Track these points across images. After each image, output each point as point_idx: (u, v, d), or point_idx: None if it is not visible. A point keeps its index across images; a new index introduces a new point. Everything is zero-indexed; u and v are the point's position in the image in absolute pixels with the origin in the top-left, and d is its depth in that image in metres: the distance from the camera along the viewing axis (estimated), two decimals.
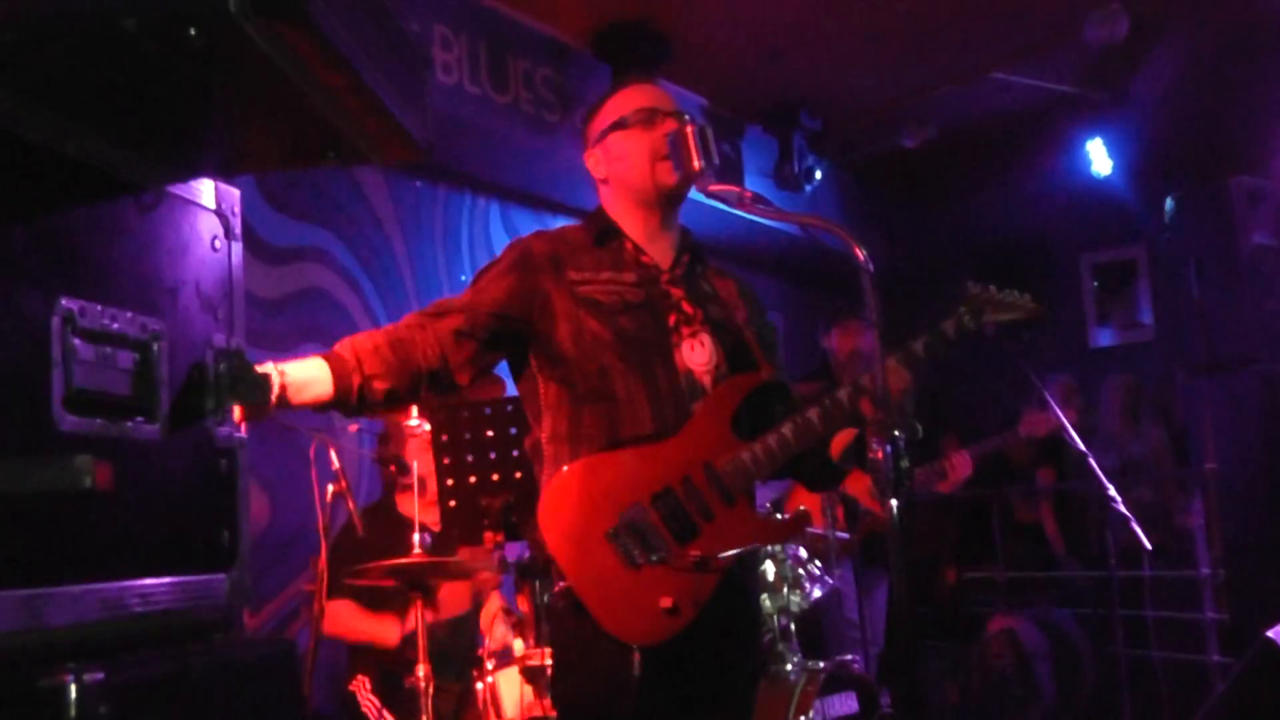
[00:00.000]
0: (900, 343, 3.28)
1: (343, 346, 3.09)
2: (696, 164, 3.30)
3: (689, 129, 3.34)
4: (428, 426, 4.47)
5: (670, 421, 3.21)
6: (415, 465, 4.69)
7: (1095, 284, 10.56)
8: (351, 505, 4.72)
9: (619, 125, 3.42)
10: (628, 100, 3.45)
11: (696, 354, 3.30)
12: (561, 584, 3.13)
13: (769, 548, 5.18)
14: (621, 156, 3.42)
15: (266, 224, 6.09)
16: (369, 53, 2.11)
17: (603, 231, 3.41)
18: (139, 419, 2.09)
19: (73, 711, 1.66)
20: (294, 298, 6.33)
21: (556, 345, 3.25)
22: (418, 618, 4.35)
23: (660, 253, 3.43)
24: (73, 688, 1.69)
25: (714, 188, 3.37)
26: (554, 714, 3.91)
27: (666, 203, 3.41)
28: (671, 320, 3.32)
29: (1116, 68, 7.95)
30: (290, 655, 2.28)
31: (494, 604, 4.97)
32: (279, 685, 2.20)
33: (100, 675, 1.71)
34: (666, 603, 3.05)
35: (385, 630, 5.07)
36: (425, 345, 3.18)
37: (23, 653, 1.74)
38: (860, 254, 2.92)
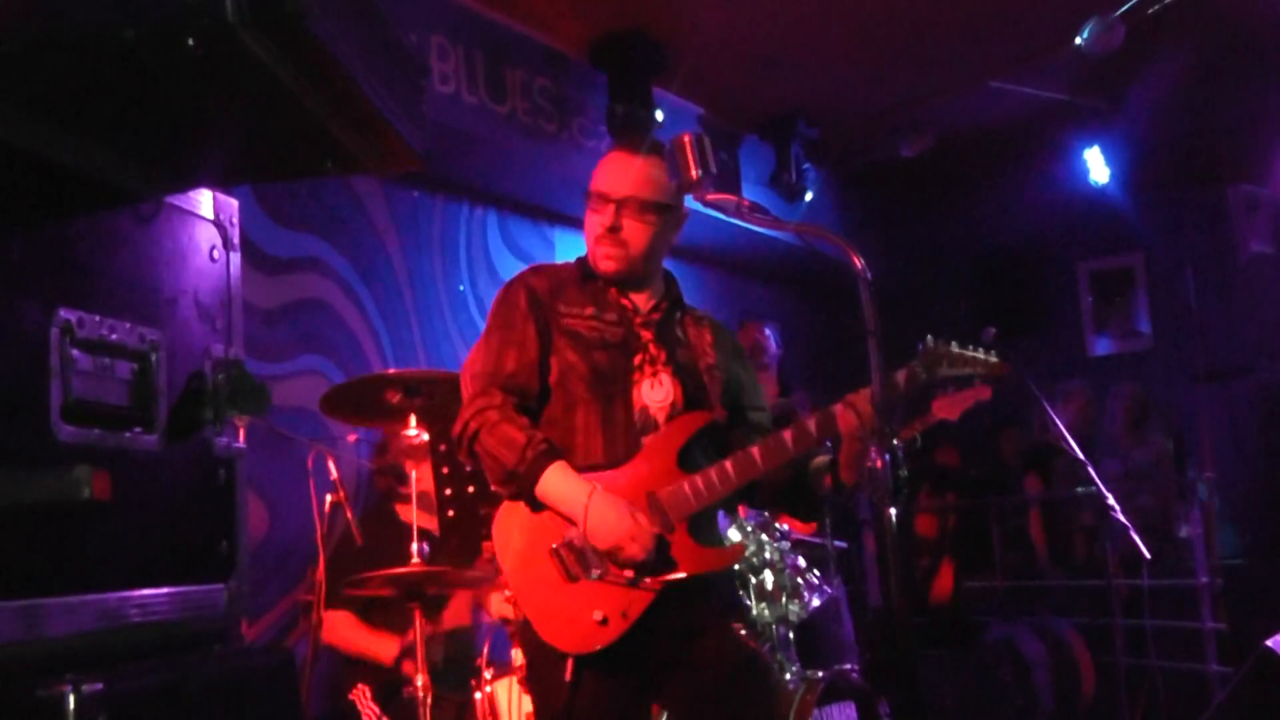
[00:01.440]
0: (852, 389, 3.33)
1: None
2: (694, 173, 3.33)
3: (686, 138, 3.35)
4: (425, 436, 4.47)
5: (620, 452, 3.38)
6: (413, 475, 4.69)
7: (1090, 299, 10.55)
8: (349, 515, 4.71)
9: (585, 196, 3.57)
10: (597, 175, 3.56)
11: (654, 392, 3.46)
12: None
13: (768, 556, 5.18)
14: (586, 226, 3.59)
15: (265, 234, 6.08)
16: (366, 62, 2.11)
17: (587, 274, 3.58)
18: (137, 429, 2.09)
19: None
20: (292, 308, 6.32)
21: (545, 373, 3.46)
22: (416, 627, 4.34)
23: (640, 297, 3.59)
24: (71, 698, 1.69)
25: (712, 197, 3.41)
26: None
27: (615, 280, 3.55)
28: (637, 360, 3.48)
29: (1113, 76, 7.95)
30: (288, 665, 2.28)
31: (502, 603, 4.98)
32: (277, 695, 2.20)
33: (99, 686, 1.71)
34: (598, 615, 3.23)
35: (382, 647, 5.06)
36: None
37: (22, 663, 1.74)
38: (858, 262, 2.97)
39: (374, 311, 6.83)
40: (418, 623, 4.33)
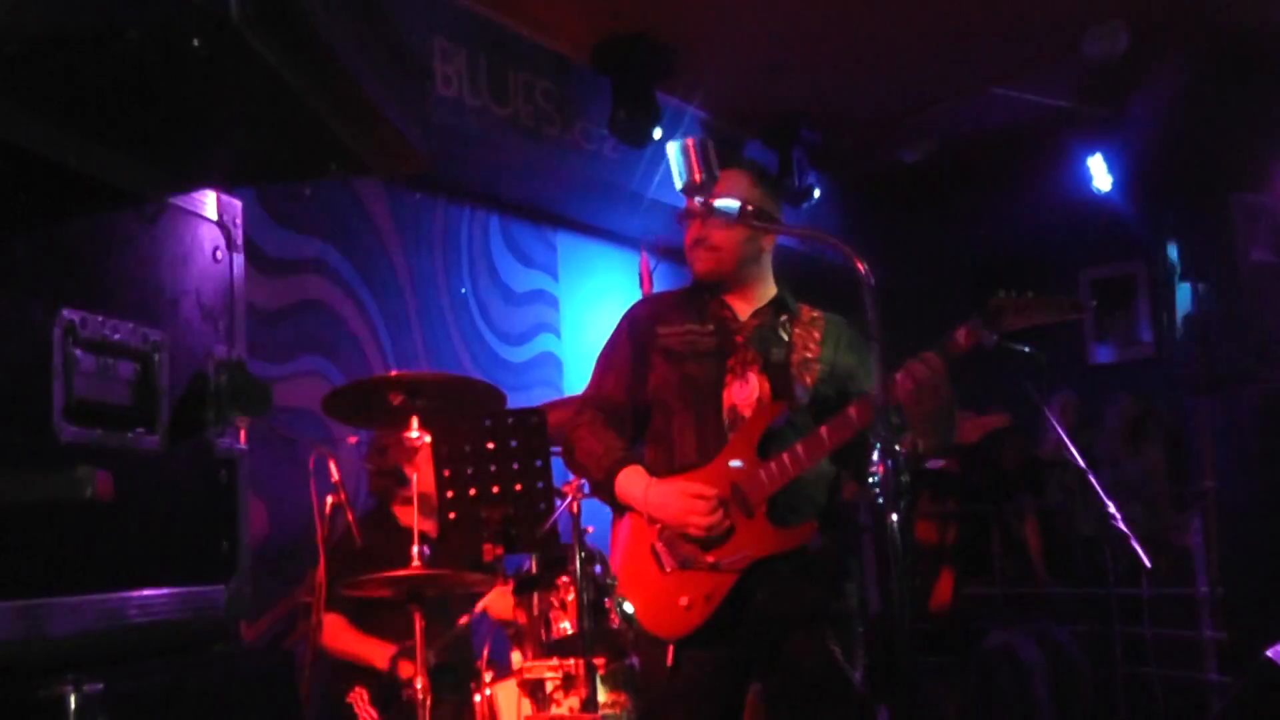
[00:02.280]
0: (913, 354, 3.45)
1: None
2: (696, 176, 3.43)
3: (690, 141, 3.43)
4: (428, 438, 4.46)
5: (711, 450, 3.70)
6: (415, 478, 4.68)
7: (1094, 302, 10.52)
8: (350, 517, 4.71)
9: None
10: None
11: (742, 391, 3.73)
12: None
13: None
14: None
15: (267, 236, 6.08)
16: (370, 63, 2.11)
17: (693, 290, 3.97)
18: (140, 430, 2.09)
19: None
20: (294, 309, 6.32)
21: (646, 392, 3.86)
22: (417, 629, 4.33)
23: (741, 305, 3.91)
24: (73, 698, 1.69)
25: (714, 200, 3.50)
26: None
27: (711, 281, 3.91)
28: (730, 363, 3.78)
29: (1116, 83, 7.95)
30: (288, 666, 2.28)
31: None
32: (277, 696, 2.20)
33: (100, 686, 1.71)
34: (683, 601, 3.57)
35: (375, 652, 5.05)
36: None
37: (23, 663, 1.74)
38: (861, 267, 3.04)
39: (376, 313, 6.84)
40: (418, 625, 4.32)
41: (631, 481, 3.71)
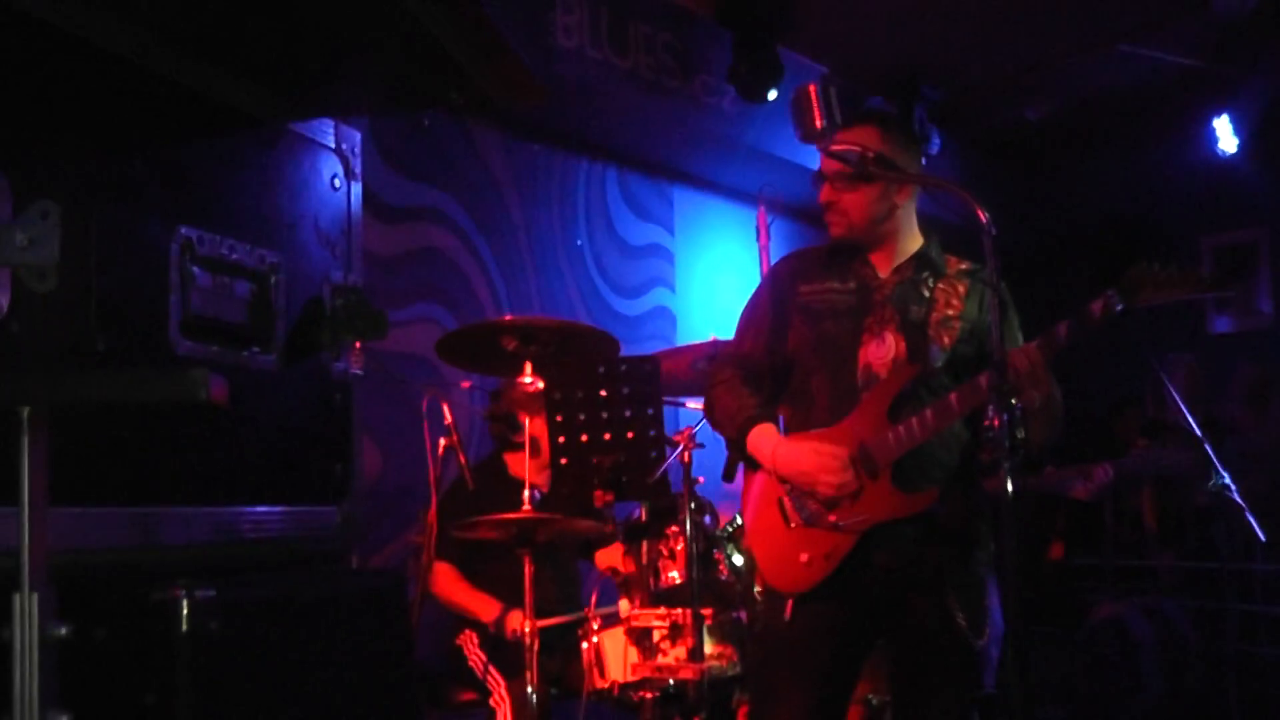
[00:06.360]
0: (1046, 328, 3.37)
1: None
2: (819, 122, 3.36)
3: (811, 87, 3.38)
4: (541, 384, 4.46)
5: (844, 410, 3.63)
6: (527, 423, 4.68)
7: (1231, 282, 10.25)
8: (463, 459, 4.72)
9: None
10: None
11: (878, 350, 3.66)
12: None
13: None
14: None
15: (385, 184, 6.11)
16: None
17: (837, 247, 3.83)
18: (255, 348, 2.11)
19: (184, 625, 1.68)
20: (411, 256, 6.36)
21: (786, 350, 3.80)
22: (526, 573, 4.34)
23: (883, 262, 3.79)
24: (185, 602, 1.71)
25: (836, 148, 3.47)
26: (659, 675, 4.60)
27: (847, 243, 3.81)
28: (867, 321, 3.69)
29: (1246, 41, 7.74)
30: (398, 587, 2.30)
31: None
32: (387, 615, 2.21)
33: (211, 592, 1.73)
34: (804, 558, 3.57)
35: (482, 607, 5.07)
36: None
37: (137, 568, 1.76)
38: (983, 216, 3.00)
39: (492, 263, 6.86)
40: (527, 571, 4.33)
41: (762, 439, 3.69)
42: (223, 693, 1.77)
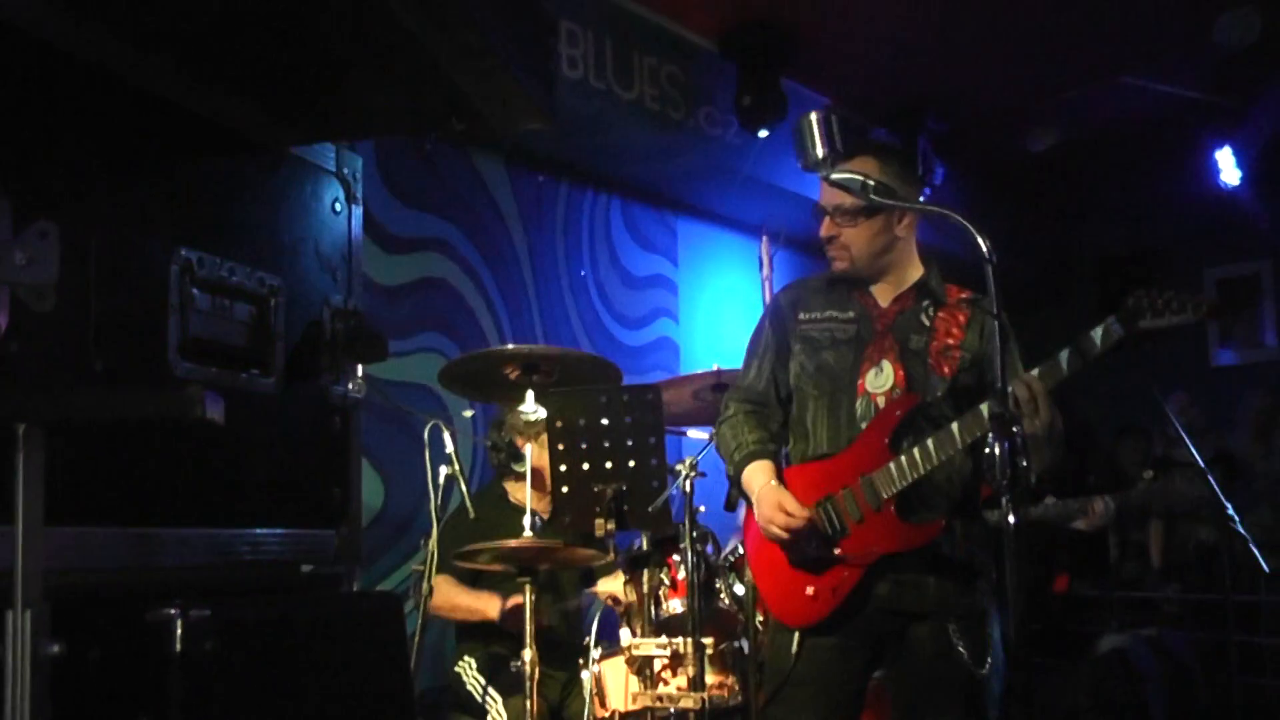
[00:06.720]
0: (1048, 355, 3.38)
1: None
2: (820, 150, 3.36)
3: (813, 115, 3.37)
4: (543, 413, 4.45)
5: (843, 440, 3.67)
6: (529, 451, 4.68)
7: (1229, 306, 10.26)
8: (464, 488, 4.72)
9: None
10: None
11: (877, 379, 3.67)
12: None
13: None
14: None
15: (390, 214, 6.13)
16: (495, 14, 2.10)
17: (837, 277, 3.84)
18: (254, 371, 2.11)
19: (178, 645, 1.68)
20: (415, 287, 6.38)
21: (784, 378, 3.84)
22: (526, 604, 4.33)
23: (883, 291, 3.81)
24: (179, 622, 1.70)
25: (836, 175, 3.45)
26: (660, 704, 4.54)
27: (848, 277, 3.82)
28: (867, 351, 3.71)
29: (1248, 73, 7.75)
30: (394, 609, 2.29)
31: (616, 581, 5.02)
32: (383, 638, 2.20)
33: (206, 612, 1.72)
34: (809, 591, 3.58)
35: (485, 603, 5.07)
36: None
37: (133, 588, 1.76)
38: (984, 244, 3.00)
39: (495, 293, 6.88)
40: (527, 600, 4.31)
41: (754, 477, 3.73)
42: (216, 714, 1.77)
